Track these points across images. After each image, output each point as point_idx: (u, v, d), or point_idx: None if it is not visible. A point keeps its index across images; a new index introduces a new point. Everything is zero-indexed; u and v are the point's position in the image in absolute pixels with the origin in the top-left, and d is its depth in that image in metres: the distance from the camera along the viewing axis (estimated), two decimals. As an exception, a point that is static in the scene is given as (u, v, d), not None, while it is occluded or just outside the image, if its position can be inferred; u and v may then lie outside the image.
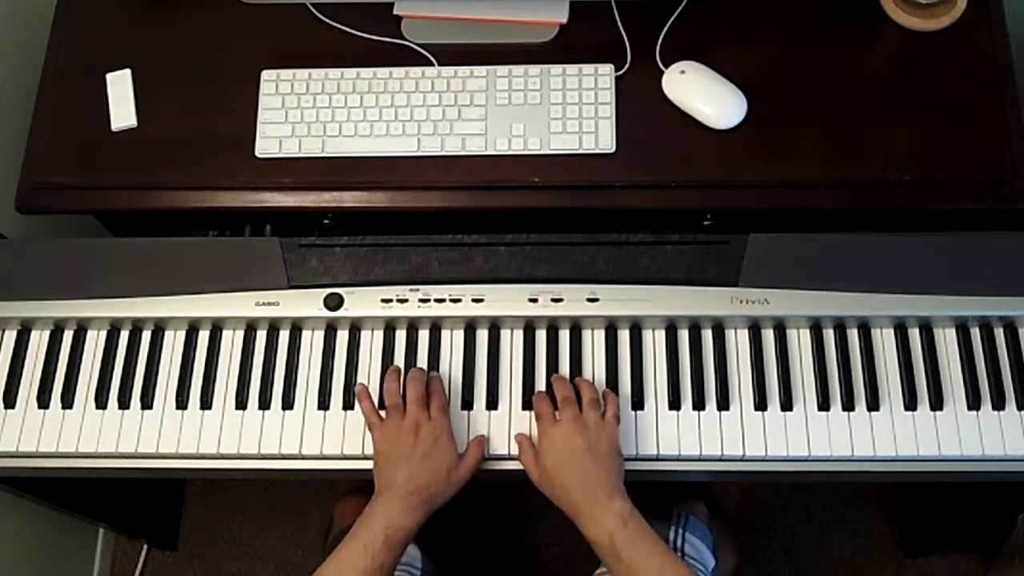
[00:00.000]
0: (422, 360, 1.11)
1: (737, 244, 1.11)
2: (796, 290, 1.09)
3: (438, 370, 1.11)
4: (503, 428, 1.08)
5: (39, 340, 1.15)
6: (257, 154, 1.20)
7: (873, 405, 1.07)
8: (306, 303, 1.11)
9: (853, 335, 1.10)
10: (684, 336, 1.11)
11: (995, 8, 1.23)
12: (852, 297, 1.08)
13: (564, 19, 1.24)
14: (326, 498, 1.72)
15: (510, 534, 1.77)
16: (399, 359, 1.11)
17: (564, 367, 1.10)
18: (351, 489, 1.48)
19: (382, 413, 1.06)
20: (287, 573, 1.80)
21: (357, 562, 0.97)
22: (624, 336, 1.11)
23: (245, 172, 1.20)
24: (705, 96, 1.18)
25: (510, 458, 1.06)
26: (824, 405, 1.07)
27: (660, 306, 1.09)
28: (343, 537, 1.01)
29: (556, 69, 1.20)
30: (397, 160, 1.19)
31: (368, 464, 1.06)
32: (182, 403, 1.11)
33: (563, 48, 1.24)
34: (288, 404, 1.10)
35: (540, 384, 1.10)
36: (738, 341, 1.11)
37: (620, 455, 1.02)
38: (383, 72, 1.22)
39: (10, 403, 1.12)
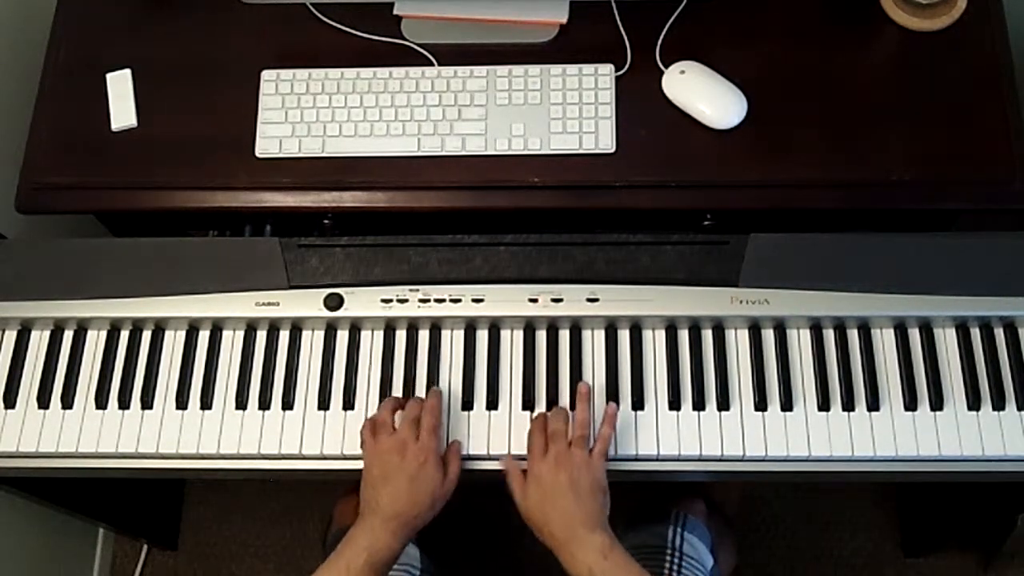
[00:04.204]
0: (422, 360, 1.11)
1: (737, 244, 1.11)
2: (796, 290, 1.08)
3: (438, 370, 1.11)
4: (503, 428, 1.08)
5: (39, 340, 1.15)
6: (257, 154, 1.20)
7: (873, 405, 1.07)
8: (306, 303, 1.11)
9: (853, 335, 1.10)
10: (684, 336, 1.11)
11: (995, 8, 1.23)
12: (852, 297, 1.08)
13: (564, 19, 1.24)
14: (326, 498, 1.72)
15: (510, 534, 1.77)
16: (399, 359, 1.11)
17: (564, 367, 1.10)
18: (351, 489, 1.47)
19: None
20: (287, 573, 1.80)
21: None
22: (624, 336, 1.11)
23: (245, 172, 1.20)
24: (705, 96, 1.18)
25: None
26: (824, 405, 1.07)
27: (660, 306, 1.09)
28: (342, 537, 1.01)
29: (556, 69, 1.20)
30: (397, 160, 1.19)
31: (368, 464, 1.06)
32: (182, 403, 1.11)
33: (563, 48, 1.24)
34: (288, 404, 1.10)
35: (540, 385, 1.10)
36: (738, 341, 1.11)
37: (605, 492, 1.01)
38: (383, 72, 1.22)
39: (10, 403, 1.12)
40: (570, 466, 0.99)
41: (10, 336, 1.15)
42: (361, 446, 1.05)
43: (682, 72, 1.19)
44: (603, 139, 1.17)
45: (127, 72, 1.25)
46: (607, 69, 1.20)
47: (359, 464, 1.06)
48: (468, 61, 1.22)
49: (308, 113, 1.20)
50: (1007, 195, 1.16)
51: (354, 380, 1.11)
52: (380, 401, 1.09)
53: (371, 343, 1.13)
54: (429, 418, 1.04)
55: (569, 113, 1.18)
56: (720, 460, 1.06)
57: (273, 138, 1.20)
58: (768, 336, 1.10)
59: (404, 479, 1.00)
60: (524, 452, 1.05)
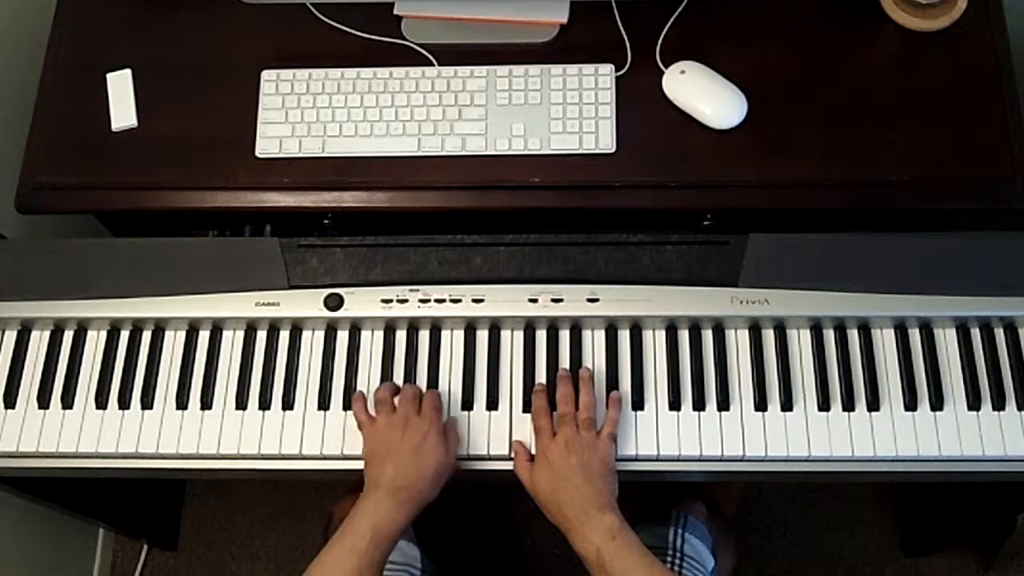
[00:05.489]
0: (422, 361, 1.11)
1: (737, 244, 1.11)
2: (796, 290, 1.09)
3: (438, 370, 1.11)
4: (503, 428, 1.08)
5: (39, 340, 1.15)
6: (257, 154, 1.20)
7: (873, 405, 1.07)
8: (306, 303, 1.11)
9: (853, 335, 1.10)
10: (684, 336, 1.11)
11: (995, 8, 1.23)
12: (852, 297, 1.08)
13: (564, 19, 1.24)
14: (326, 498, 1.72)
15: (510, 534, 1.77)
16: (399, 359, 1.11)
17: (564, 367, 1.10)
18: (351, 489, 1.47)
19: (373, 413, 1.06)
20: (287, 573, 1.80)
21: (345, 561, 0.96)
22: (624, 336, 1.11)
23: (245, 172, 1.20)
24: (705, 96, 1.18)
25: (510, 459, 1.06)
26: (824, 405, 1.07)
27: (660, 306, 1.09)
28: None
29: (556, 69, 1.20)
30: (397, 160, 1.19)
31: (368, 464, 1.06)
32: (182, 403, 1.11)
33: (563, 48, 1.24)
34: (288, 404, 1.10)
35: (540, 384, 1.10)
36: (738, 341, 1.11)
37: (614, 473, 1.02)
38: (383, 72, 1.22)
39: (10, 403, 1.12)
40: (580, 448, 1.00)
41: (10, 336, 1.15)
42: (359, 428, 1.06)
43: (682, 72, 1.19)
44: (603, 139, 1.17)
45: (127, 72, 1.25)
46: (607, 69, 1.20)
47: (359, 464, 1.06)
48: (468, 61, 1.22)
49: (308, 113, 1.20)
50: (1007, 195, 1.16)
51: (354, 380, 1.11)
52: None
53: (371, 343, 1.13)
54: (431, 397, 1.05)
55: (569, 113, 1.18)
56: (720, 460, 1.06)
57: (273, 138, 1.20)
58: (768, 336, 1.10)
59: (407, 451, 1.00)
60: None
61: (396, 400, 1.06)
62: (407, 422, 1.02)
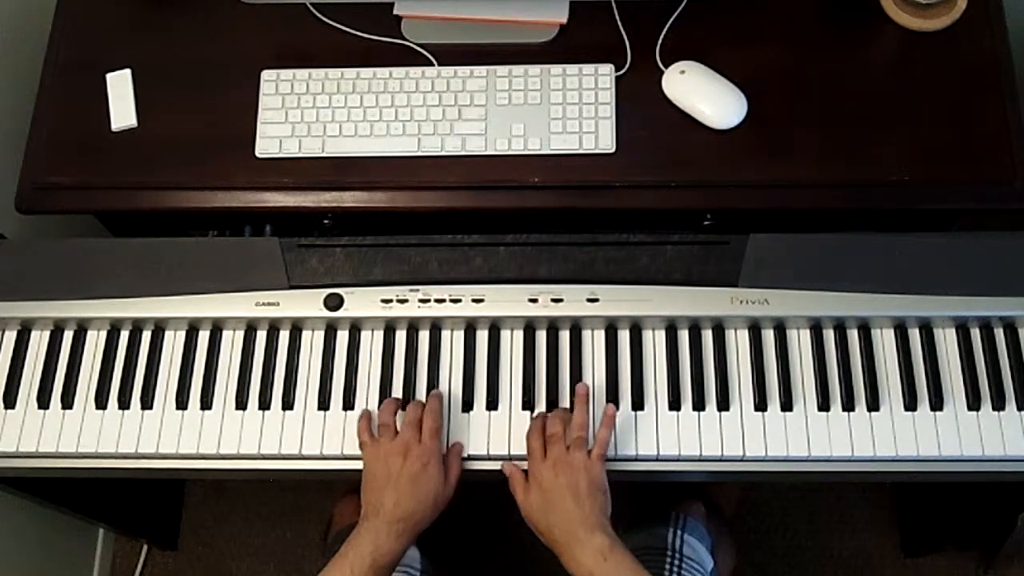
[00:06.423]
0: (422, 361, 1.11)
1: (737, 244, 1.11)
2: (796, 290, 1.08)
3: (438, 370, 1.11)
4: (503, 428, 1.08)
5: (39, 340, 1.15)
6: (257, 154, 1.20)
7: (873, 405, 1.07)
8: (306, 303, 1.11)
9: (853, 335, 1.10)
10: (684, 336, 1.11)
11: (995, 8, 1.23)
12: (852, 297, 1.08)
13: (564, 19, 1.24)
14: (326, 498, 1.73)
15: (510, 534, 1.77)
16: (399, 359, 1.11)
17: (564, 367, 1.10)
18: (351, 489, 1.47)
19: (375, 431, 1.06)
20: (287, 573, 1.80)
21: None
22: (624, 336, 1.11)
23: (245, 172, 1.20)
24: (705, 96, 1.18)
25: (509, 458, 1.06)
26: (824, 405, 1.07)
27: (660, 306, 1.09)
28: (342, 538, 1.01)
29: (556, 69, 1.20)
30: (397, 160, 1.19)
31: (368, 464, 1.05)
32: (182, 403, 1.11)
33: (563, 48, 1.24)
34: (288, 404, 1.10)
35: (540, 385, 1.10)
36: (738, 341, 1.11)
37: (605, 493, 1.00)
38: (383, 72, 1.22)
39: (10, 403, 1.12)
40: (569, 469, 0.99)
41: (10, 336, 1.15)
42: (360, 448, 1.05)
43: (682, 72, 1.19)
44: (603, 139, 1.17)
45: (127, 72, 1.25)
46: (607, 69, 1.20)
47: (359, 464, 1.06)
48: (468, 61, 1.22)
49: (308, 113, 1.20)
50: (1007, 195, 1.16)
51: (354, 380, 1.11)
52: (380, 401, 1.09)
53: (371, 343, 1.13)
54: (430, 421, 1.04)
55: (569, 113, 1.18)
56: (720, 460, 1.06)
57: (273, 138, 1.20)
58: (768, 336, 1.10)
59: (407, 481, 1.00)
60: (524, 452, 1.05)
61: (398, 423, 1.05)
62: (408, 450, 1.01)
